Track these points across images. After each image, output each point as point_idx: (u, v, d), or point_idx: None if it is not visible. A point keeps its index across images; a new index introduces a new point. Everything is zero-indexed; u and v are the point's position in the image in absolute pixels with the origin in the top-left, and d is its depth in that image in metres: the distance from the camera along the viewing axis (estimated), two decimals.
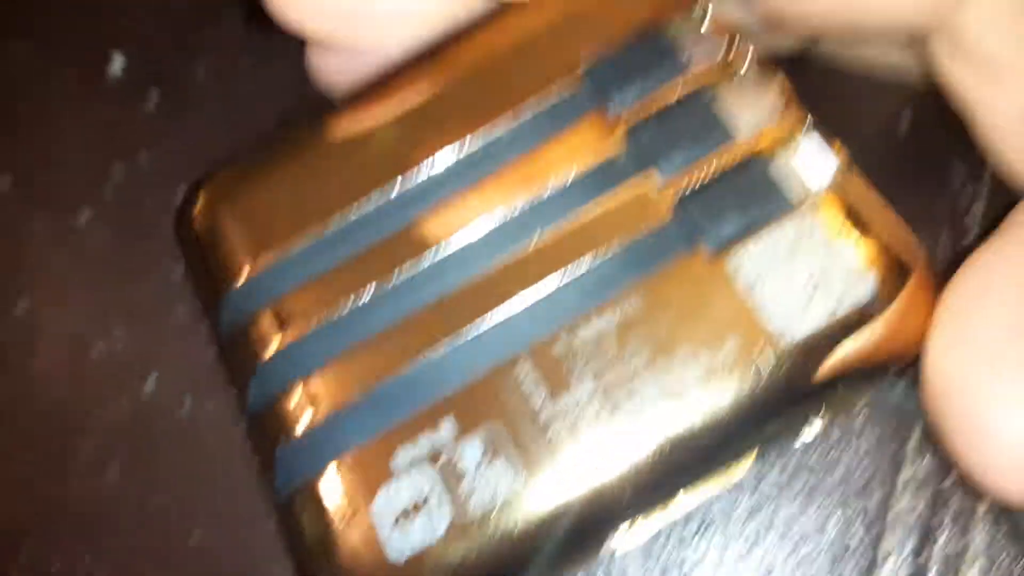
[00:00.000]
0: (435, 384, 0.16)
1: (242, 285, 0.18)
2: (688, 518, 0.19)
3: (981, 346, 0.14)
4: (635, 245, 0.16)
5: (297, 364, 0.17)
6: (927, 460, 0.18)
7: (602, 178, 0.17)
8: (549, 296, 0.16)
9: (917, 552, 0.18)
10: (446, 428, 0.15)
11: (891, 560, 0.18)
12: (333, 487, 0.16)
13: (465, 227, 0.17)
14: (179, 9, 0.27)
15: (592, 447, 0.15)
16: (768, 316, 0.15)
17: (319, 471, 0.16)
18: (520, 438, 0.15)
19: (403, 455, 0.15)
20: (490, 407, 0.15)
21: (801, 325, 0.15)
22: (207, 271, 0.19)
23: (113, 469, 0.23)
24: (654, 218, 0.16)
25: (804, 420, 0.16)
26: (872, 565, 0.18)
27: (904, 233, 0.15)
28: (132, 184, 0.25)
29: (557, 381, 0.15)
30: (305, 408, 0.16)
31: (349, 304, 0.17)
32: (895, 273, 0.15)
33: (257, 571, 0.21)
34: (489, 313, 0.16)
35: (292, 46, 0.25)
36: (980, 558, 0.17)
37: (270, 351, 0.17)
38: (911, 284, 0.15)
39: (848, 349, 0.15)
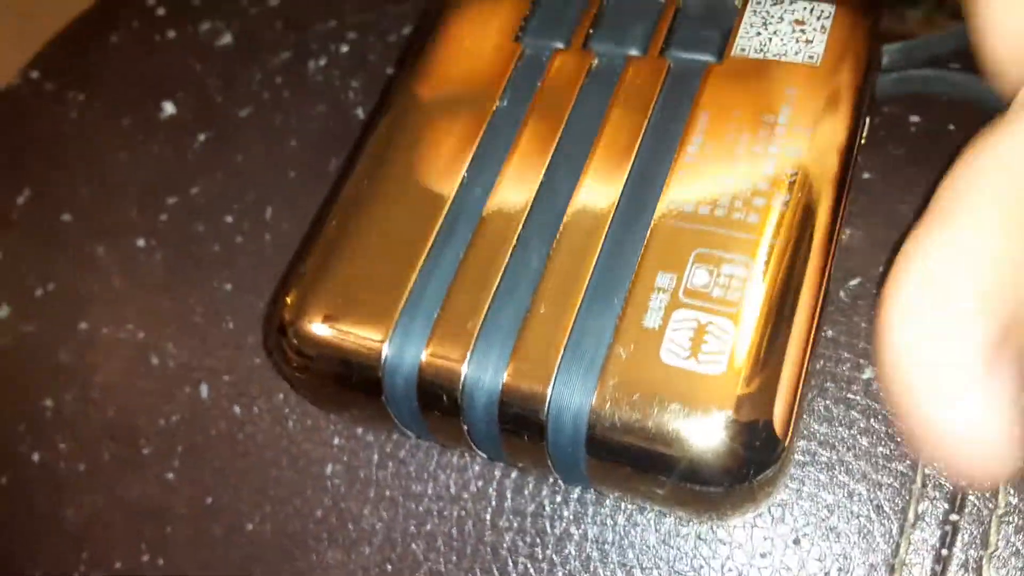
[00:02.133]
0: (621, 268, 0.18)
1: (393, 347, 0.18)
2: None
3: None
4: (666, 93, 0.20)
5: (496, 356, 0.18)
6: None
7: (601, 83, 0.21)
8: (640, 158, 0.19)
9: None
10: (663, 280, 0.18)
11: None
12: (621, 384, 0.17)
13: (532, 174, 0.20)
14: (224, 54, 0.30)
15: (773, 205, 0.18)
16: (793, 58, 0.20)
17: (596, 394, 0.17)
18: (721, 242, 0.18)
19: (650, 320, 0.17)
20: (679, 245, 0.18)
21: (815, 48, 0.20)
22: (339, 375, 0.19)
23: (171, 470, 0.24)
24: (661, 71, 0.20)
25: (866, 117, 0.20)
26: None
27: None
28: (184, 214, 0.27)
29: (706, 193, 0.18)
30: (536, 373, 0.17)
31: (499, 279, 0.18)
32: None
33: (307, 555, 0.22)
34: (611, 201, 0.19)
35: (325, 86, 0.28)
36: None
37: (463, 371, 0.18)
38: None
39: (848, 48, 0.20)
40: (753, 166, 0.18)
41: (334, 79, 0.28)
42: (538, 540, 0.21)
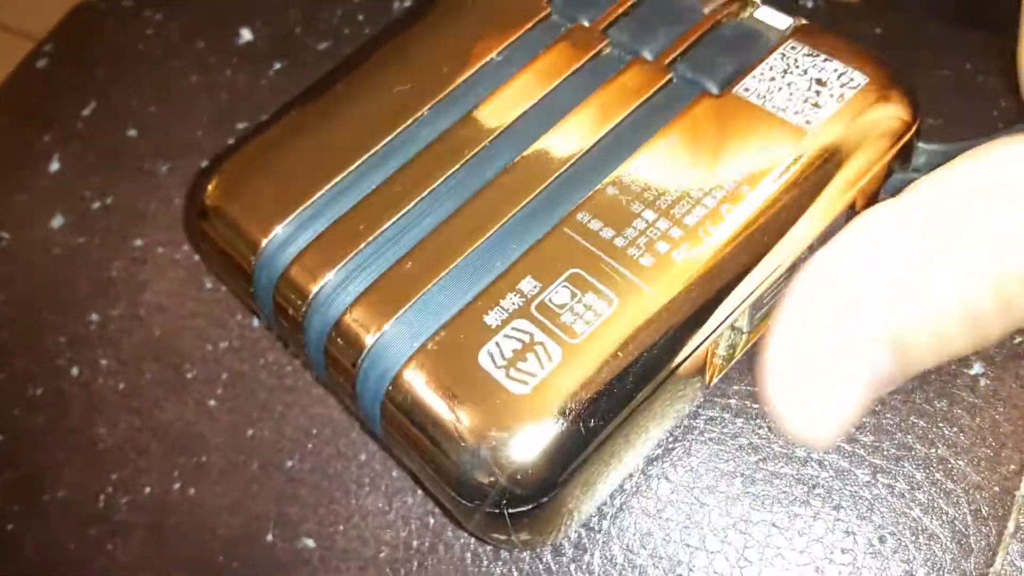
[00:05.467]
0: (499, 256, 0.17)
1: (268, 248, 0.18)
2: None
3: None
4: (649, 103, 0.18)
5: (346, 291, 0.17)
6: None
7: (598, 69, 0.19)
8: (587, 156, 0.18)
9: None
10: (527, 284, 0.16)
11: None
12: (432, 364, 0.16)
13: (482, 137, 0.19)
14: None
15: (673, 257, 0.16)
16: (789, 116, 0.17)
17: (406, 362, 0.16)
18: (602, 272, 0.16)
19: (493, 317, 0.16)
20: (563, 257, 0.16)
21: (819, 114, 0.17)
22: (230, 255, 0.19)
23: (212, 397, 0.23)
24: (658, 81, 0.18)
25: (844, 205, 0.17)
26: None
27: (862, 46, 0.18)
28: None
29: (619, 217, 0.17)
30: (370, 321, 0.17)
31: (389, 223, 0.18)
32: (871, 64, 0.18)
33: (346, 498, 0.21)
34: (533, 188, 0.17)
35: None
36: None
37: (312, 293, 0.18)
38: (882, 72, 0.17)
39: (859, 128, 0.17)
40: (678, 209, 0.16)
41: None
42: None
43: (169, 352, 0.23)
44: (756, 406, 0.19)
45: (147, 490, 0.23)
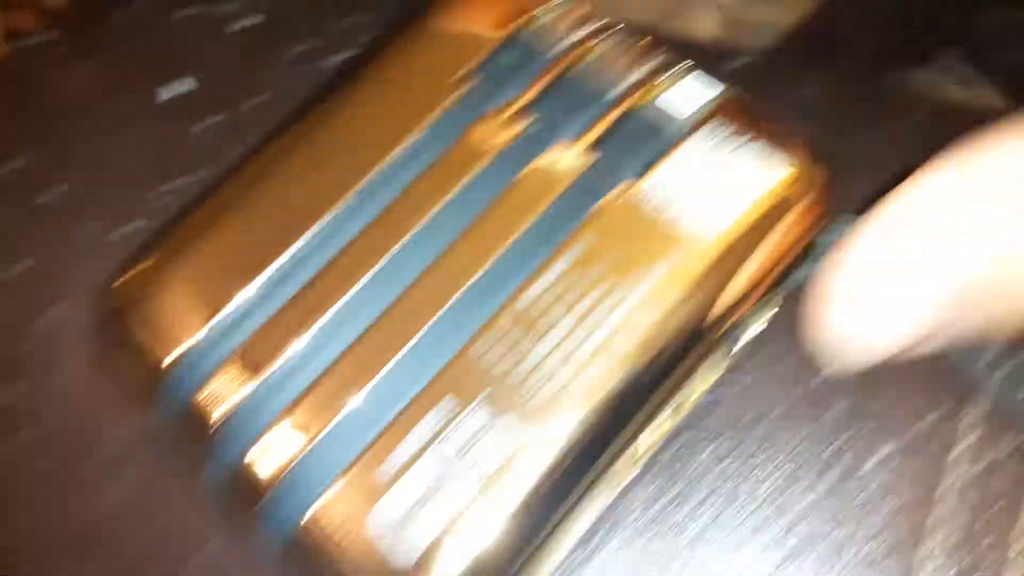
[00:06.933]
0: (413, 379, 0.16)
1: (169, 377, 0.17)
2: None
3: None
4: (560, 200, 0.17)
5: (251, 423, 0.16)
6: None
7: (513, 159, 0.18)
8: (496, 265, 0.17)
9: None
10: (432, 418, 0.15)
11: None
12: (325, 518, 0.15)
13: (396, 238, 0.17)
14: (244, 39, 0.27)
15: (576, 386, 0.16)
16: (691, 223, 0.17)
17: (305, 511, 0.15)
18: (506, 402, 0.15)
19: (400, 453, 0.15)
20: (467, 387, 0.16)
21: (734, 208, 0.17)
22: (136, 370, 0.18)
23: (121, 486, 0.21)
24: (571, 175, 0.18)
25: (757, 311, 0.17)
26: None
27: (789, 133, 0.17)
28: (184, 199, 0.24)
29: (518, 347, 0.16)
30: (272, 458, 0.16)
31: (292, 348, 0.17)
32: (790, 147, 0.17)
33: None
34: (444, 299, 0.17)
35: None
36: None
37: (216, 421, 0.16)
38: (806, 170, 0.17)
39: (775, 217, 0.17)
40: (580, 331, 0.16)
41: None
42: None
43: (78, 440, 0.22)
44: None
45: None
